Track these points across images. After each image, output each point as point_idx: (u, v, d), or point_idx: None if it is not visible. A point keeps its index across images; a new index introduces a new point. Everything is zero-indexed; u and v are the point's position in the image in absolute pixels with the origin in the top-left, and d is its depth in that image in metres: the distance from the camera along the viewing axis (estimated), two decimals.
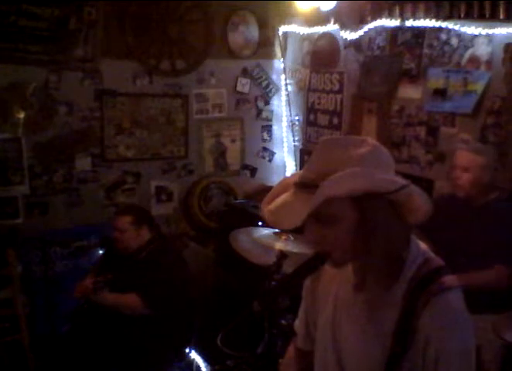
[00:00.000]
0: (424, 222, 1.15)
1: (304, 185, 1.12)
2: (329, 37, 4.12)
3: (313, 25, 4.23)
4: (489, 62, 2.98)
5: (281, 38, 4.56)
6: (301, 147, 4.62)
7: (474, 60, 3.06)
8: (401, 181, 1.09)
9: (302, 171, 1.16)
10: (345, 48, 4.00)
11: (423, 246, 1.21)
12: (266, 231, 2.62)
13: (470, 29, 3.02)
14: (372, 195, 1.06)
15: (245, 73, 4.50)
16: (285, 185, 1.20)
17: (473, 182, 2.64)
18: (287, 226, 1.13)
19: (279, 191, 1.20)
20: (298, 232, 1.19)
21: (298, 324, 1.48)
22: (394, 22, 3.47)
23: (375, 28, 3.65)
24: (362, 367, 1.19)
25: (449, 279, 1.14)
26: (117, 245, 2.98)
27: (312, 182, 1.09)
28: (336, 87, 4.13)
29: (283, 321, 2.40)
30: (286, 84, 4.64)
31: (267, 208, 1.18)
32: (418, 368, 1.12)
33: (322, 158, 1.12)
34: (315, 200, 1.04)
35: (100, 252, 3.32)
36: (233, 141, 4.57)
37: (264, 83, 4.62)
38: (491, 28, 2.91)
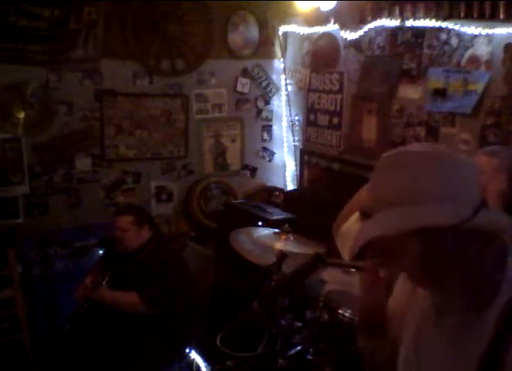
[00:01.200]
0: None
1: (364, 213, 1.04)
2: (329, 37, 4.11)
3: (313, 25, 4.23)
4: (489, 62, 2.98)
5: (281, 38, 4.56)
6: (301, 147, 4.61)
7: (474, 60, 3.05)
8: (467, 211, 0.96)
9: (366, 196, 1.06)
10: (345, 48, 3.99)
11: None
12: (266, 231, 2.63)
13: (470, 29, 3.02)
14: (432, 229, 0.96)
15: (245, 73, 4.50)
16: (355, 205, 1.13)
17: (493, 186, 2.59)
18: (346, 258, 1.07)
19: (351, 211, 1.13)
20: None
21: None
22: (394, 22, 3.46)
23: (375, 28, 3.65)
24: None
25: None
26: (117, 245, 2.97)
27: (369, 211, 1.01)
28: (336, 87, 4.13)
29: (283, 321, 2.40)
30: (286, 84, 4.64)
31: (341, 229, 1.11)
32: None
33: (382, 182, 1.03)
34: (357, 242, 0.98)
35: (100, 252, 3.32)
36: (233, 141, 4.57)
37: (264, 83, 4.62)
38: (491, 28, 2.91)
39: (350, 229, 1.08)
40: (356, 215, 1.06)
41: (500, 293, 1.00)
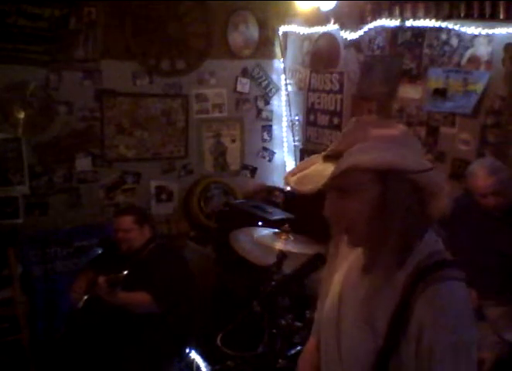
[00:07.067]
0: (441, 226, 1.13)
1: (332, 156, 1.12)
2: (329, 37, 4.12)
3: (313, 25, 4.23)
4: (489, 62, 2.97)
5: (281, 38, 4.56)
6: (301, 147, 4.61)
7: (474, 60, 3.05)
8: (428, 164, 1.09)
9: (331, 146, 1.15)
10: (345, 48, 4.00)
11: (435, 238, 1.17)
12: (266, 231, 2.63)
13: (470, 29, 3.02)
14: (397, 173, 1.06)
15: (245, 73, 4.50)
16: (312, 161, 1.19)
17: (500, 201, 2.58)
18: (309, 190, 1.11)
19: (306, 165, 1.19)
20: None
21: (316, 315, 1.45)
22: (394, 22, 3.47)
23: (375, 28, 3.65)
24: (355, 355, 1.17)
25: (453, 271, 1.10)
26: (120, 245, 2.97)
27: (340, 153, 1.08)
28: (336, 87, 4.13)
29: (283, 321, 2.40)
30: (286, 84, 4.64)
31: (292, 177, 1.17)
32: (412, 359, 1.07)
33: (354, 134, 1.12)
34: (341, 165, 1.05)
35: (99, 252, 3.31)
36: (233, 141, 4.57)
37: (264, 83, 4.62)
38: (491, 28, 2.91)
39: (314, 170, 1.14)
40: (319, 163, 1.15)
41: (410, 258, 1.11)
